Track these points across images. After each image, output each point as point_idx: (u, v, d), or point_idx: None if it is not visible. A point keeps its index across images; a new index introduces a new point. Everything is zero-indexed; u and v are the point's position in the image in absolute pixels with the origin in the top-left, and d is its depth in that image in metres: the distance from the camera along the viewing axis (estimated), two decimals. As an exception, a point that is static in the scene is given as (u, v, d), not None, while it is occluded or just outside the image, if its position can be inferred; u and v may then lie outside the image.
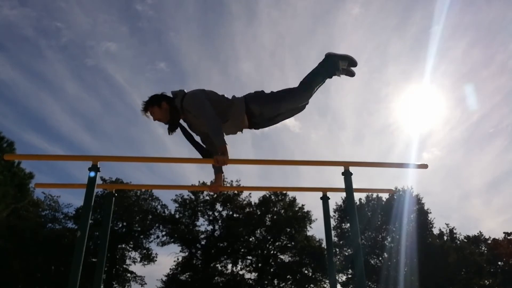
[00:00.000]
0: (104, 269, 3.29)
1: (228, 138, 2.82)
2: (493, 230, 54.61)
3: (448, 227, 32.83)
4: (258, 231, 31.36)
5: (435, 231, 31.61)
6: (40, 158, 3.46)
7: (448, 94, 48.30)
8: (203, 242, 31.00)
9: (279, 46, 51.72)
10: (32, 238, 25.25)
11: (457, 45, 48.15)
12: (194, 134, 3.07)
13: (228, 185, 23.83)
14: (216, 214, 31.63)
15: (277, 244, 31.59)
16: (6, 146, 14.14)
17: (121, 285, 29.98)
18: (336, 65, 2.97)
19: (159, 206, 32.06)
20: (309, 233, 32.07)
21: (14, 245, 23.73)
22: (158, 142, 46.68)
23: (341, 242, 30.86)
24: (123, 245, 30.28)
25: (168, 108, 2.94)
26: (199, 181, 30.96)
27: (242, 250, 30.85)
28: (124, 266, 30.32)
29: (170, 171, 49.01)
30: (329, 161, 2.99)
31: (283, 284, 30.31)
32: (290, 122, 43.69)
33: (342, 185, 2.84)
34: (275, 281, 30.07)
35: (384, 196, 31.56)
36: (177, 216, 31.54)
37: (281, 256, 31.48)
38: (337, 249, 30.39)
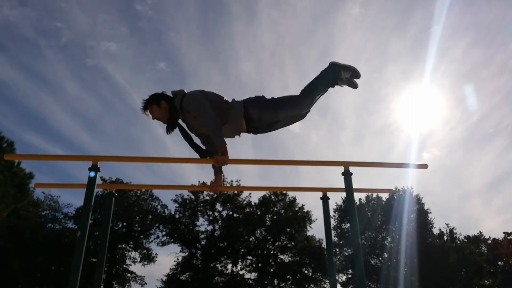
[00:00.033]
0: (104, 269, 3.29)
1: (227, 139, 2.82)
2: (493, 230, 54.69)
3: (448, 227, 32.89)
4: (258, 231, 31.36)
5: (435, 231, 31.67)
6: (40, 158, 3.46)
7: (448, 94, 48.39)
8: (203, 242, 31.00)
9: (279, 46, 51.78)
10: (32, 238, 25.25)
11: (457, 45, 48.23)
12: (192, 135, 3.07)
13: (228, 185, 23.83)
14: (216, 214, 31.65)
15: (277, 244, 31.59)
16: (6, 146, 14.14)
17: (121, 285, 29.98)
18: (338, 74, 2.95)
19: (159, 206, 32.10)
20: (309, 233, 32.13)
21: (14, 245, 23.73)
22: (158, 142, 46.76)
23: (341, 242, 30.85)
24: (123, 245, 30.28)
25: (168, 107, 2.94)
26: (199, 181, 31.00)
27: (242, 250, 30.85)
28: (124, 266, 30.32)
29: (170, 171, 49.10)
30: (329, 161, 2.99)
31: (283, 284, 30.31)
32: (290, 122, 43.54)
33: (342, 185, 2.84)
34: (275, 281, 30.07)
35: (384, 196, 31.56)
36: (177, 216, 31.55)
37: (281, 256, 31.49)
38: (337, 249, 30.39)
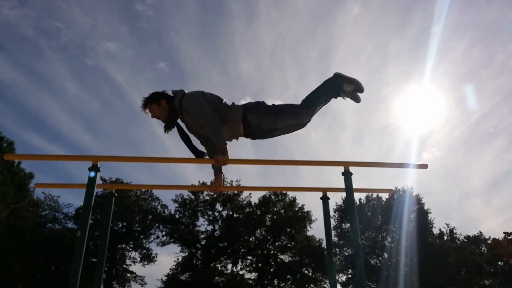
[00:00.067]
0: (104, 269, 3.29)
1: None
2: (493, 230, 54.69)
3: (448, 227, 32.91)
4: (258, 231, 31.36)
5: (435, 231, 31.68)
6: (40, 158, 3.46)
7: (448, 94, 48.40)
8: (203, 242, 31.00)
9: (279, 46, 51.78)
10: (32, 238, 25.25)
11: (457, 45, 48.22)
12: (190, 135, 3.07)
13: (228, 185, 23.82)
14: (216, 214, 31.65)
15: (277, 244, 31.59)
16: (6, 146, 14.12)
17: (121, 285, 29.99)
18: (341, 87, 2.93)
19: (159, 206, 32.10)
20: (309, 233, 32.13)
21: (14, 245, 23.73)
22: (158, 142, 46.78)
23: (341, 242, 30.85)
24: (123, 245, 30.28)
25: (167, 106, 2.95)
26: (199, 181, 30.99)
27: (242, 250, 30.85)
28: (124, 266, 30.33)
29: (170, 171, 49.12)
30: (329, 161, 2.99)
31: (283, 284, 30.31)
32: (290, 122, 43.58)
33: (342, 185, 2.85)
34: (275, 281, 30.06)
35: (384, 196, 31.56)
36: (177, 216, 31.55)
37: (281, 256, 31.48)
38: (337, 249, 30.39)
